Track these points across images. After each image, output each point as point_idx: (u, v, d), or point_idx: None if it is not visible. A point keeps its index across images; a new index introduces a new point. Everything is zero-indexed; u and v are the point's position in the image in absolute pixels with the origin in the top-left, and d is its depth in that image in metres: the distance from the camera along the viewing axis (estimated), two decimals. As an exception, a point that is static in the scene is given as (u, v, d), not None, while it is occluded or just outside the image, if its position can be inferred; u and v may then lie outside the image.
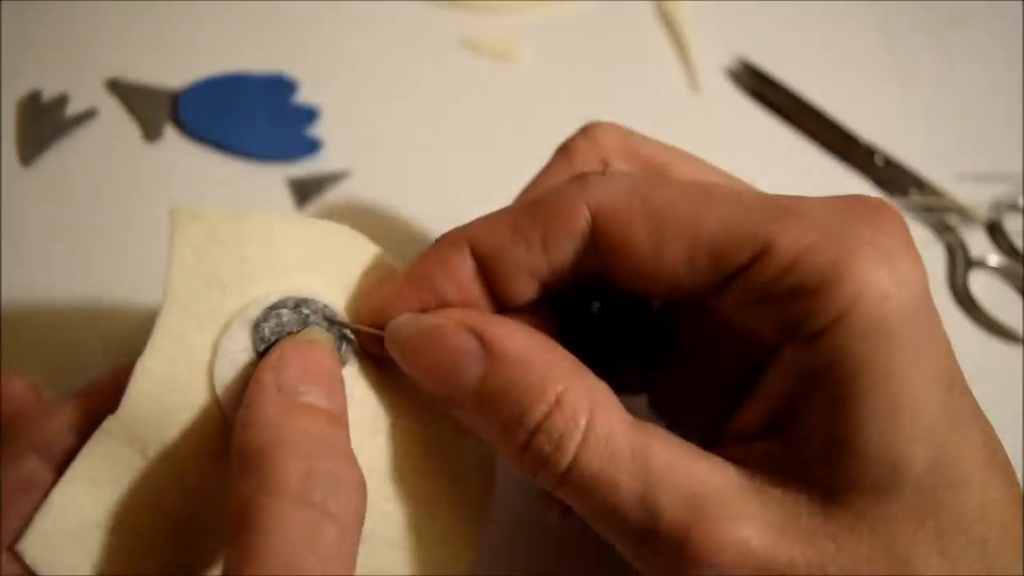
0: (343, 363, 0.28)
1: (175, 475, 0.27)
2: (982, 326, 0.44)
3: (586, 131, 0.33)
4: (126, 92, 0.45)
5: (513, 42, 0.49)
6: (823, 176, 0.48)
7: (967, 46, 0.52)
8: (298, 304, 0.28)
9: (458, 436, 0.30)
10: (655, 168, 0.32)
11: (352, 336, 0.28)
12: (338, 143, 0.45)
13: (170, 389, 0.26)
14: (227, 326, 0.27)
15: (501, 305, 0.28)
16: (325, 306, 0.28)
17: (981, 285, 0.45)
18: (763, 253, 0.24)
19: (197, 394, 0.26)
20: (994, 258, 0.46)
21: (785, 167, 0.48)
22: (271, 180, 0.44)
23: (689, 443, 0.26)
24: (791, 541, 0.24)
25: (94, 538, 0.26)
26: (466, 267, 0.28)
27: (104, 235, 0.41)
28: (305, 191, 0.43)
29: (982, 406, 0.25)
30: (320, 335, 0.28)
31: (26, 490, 0.26)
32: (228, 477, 0.24)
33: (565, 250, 0.27)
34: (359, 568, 0.24)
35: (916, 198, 0.47)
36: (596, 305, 0.32)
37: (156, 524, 0.27)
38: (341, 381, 0.27)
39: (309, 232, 0.29)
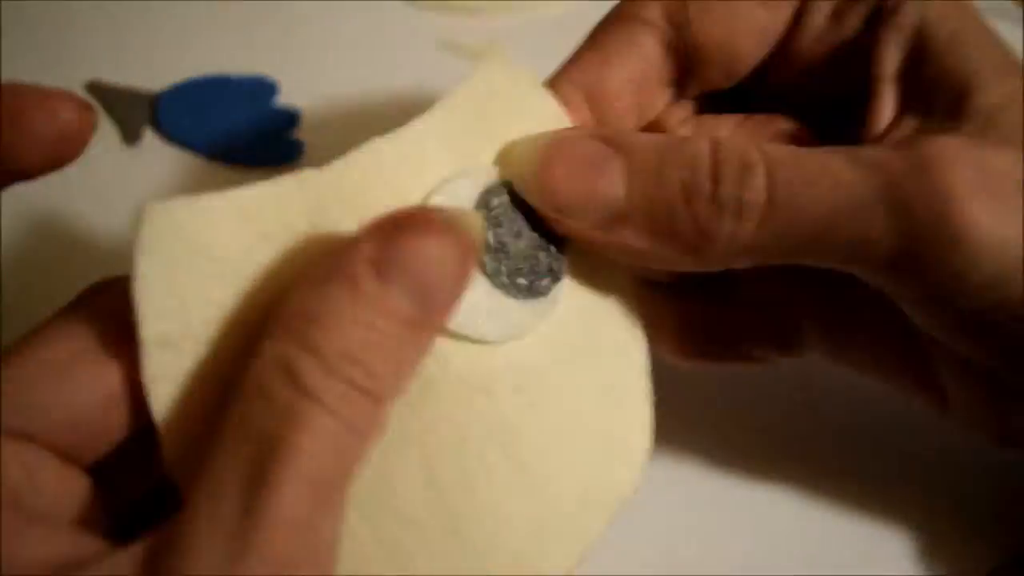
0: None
1: None
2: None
3: None
4: (105, 94, 0.45)
5: (497, 44, 0.49)
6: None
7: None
8: (513, 191, 0.26)
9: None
10: None
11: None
12: (319, 146, 0.45)
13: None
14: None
15: None
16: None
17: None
18: None
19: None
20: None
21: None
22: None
23: None
24: (990, 148, 0.24)
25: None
26: (577, 100, 0.29)
27: (82, 238, 0.41)
28: (286, 195, 0.43)
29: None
30: (475, 222, 0.23)
31: (59, 375, 0.21)
32: None
33: (652, 51, 0.29)
34: None
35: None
36: None
37: None
38: (457, 292, 0.21)
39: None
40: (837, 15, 0.28)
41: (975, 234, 0.23)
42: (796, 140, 0.29)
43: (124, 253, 0.40)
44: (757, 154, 0.24)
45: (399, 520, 0.23)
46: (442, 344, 0.24)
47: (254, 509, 0.18)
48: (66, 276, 0.40)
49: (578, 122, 0.28)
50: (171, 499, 0.21)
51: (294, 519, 0.18)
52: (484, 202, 0.25)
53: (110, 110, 0.45)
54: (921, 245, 0.23)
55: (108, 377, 0.21)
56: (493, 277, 0.25)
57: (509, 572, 0.24)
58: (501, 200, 0.25)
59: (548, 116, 0.27)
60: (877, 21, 0.28)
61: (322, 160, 0.44)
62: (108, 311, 0.22)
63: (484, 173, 0.26)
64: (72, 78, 0.45)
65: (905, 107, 0.27)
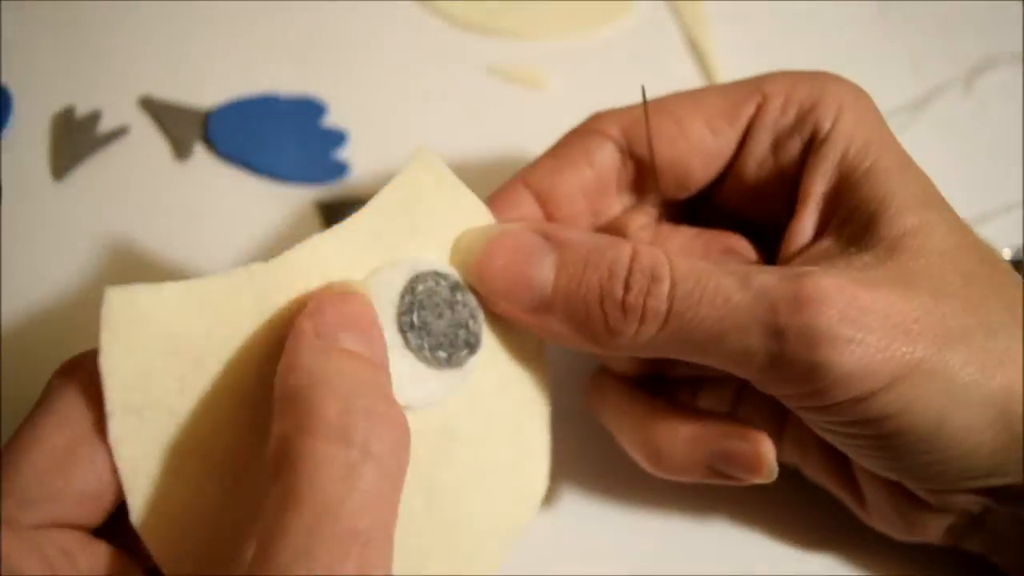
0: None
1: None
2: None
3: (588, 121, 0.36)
4: (158, 110, 0.46)
5: (542, 69, 0.50)
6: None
7: (997, 86, 0.52)
8: (437, 278, 0.29)
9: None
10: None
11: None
12: (365, 167, 0.45)
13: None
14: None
15: None
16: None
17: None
18: (763, 101, 0.32)
19: None
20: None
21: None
22: (298, 202, 0.44)
23: None
24: (872, 284, 0.27)
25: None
26: (527, 202, 0.33)
27: (132, 251, 0.42)
28: (332, 213, 0.44)
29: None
30: (356, 285, 0.27)
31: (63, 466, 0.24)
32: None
33: (607, 160, 0.33)
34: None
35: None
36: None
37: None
38: (379, 330, 0.26)
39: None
40: (776, 144, 0.32)
41: (835, 370, 0.26)
42: (741, 255, 0.33)
43: (175, 267, 0.41)
44: (666, 268, 0.28)
45: None
46: None
47: None
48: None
49: (504, 217, 0.32)
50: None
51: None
52: (410, 288, 0.28)
53: (162, 125, 0.45)
54: (789, 369, 0.27)
55: (104, 455, 0.24)
56: (416, 352, 0.28)
57: None
58: (426, 286, 0.28)
59: (470, 212, 0.31)
60: (809, 151, 0.32)
61: (367, 180, 0.45)
62: (94, 394, 0.24)
63: (410, 263, 0.29)
64: (126, 93, 0.46)
65: (823, 229, 0.31)
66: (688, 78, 0.51)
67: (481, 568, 0.31)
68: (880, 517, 0.34)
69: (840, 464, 0.34)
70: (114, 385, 0.24)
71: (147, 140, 0.45)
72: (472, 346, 0.29)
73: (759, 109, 0.32)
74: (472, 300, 0.30)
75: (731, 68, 0.51)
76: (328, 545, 0.21)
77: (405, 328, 0.28)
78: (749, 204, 0.34)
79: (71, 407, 0.24)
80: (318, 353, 0.24)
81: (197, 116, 0.46)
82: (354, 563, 0.21)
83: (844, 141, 0.30)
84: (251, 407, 0.26)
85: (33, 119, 0.45)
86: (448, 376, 0.29)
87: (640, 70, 0.51)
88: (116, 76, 0.47)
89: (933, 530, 0.32)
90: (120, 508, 0.25)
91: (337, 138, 0.46)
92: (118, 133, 0.45)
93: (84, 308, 0.40)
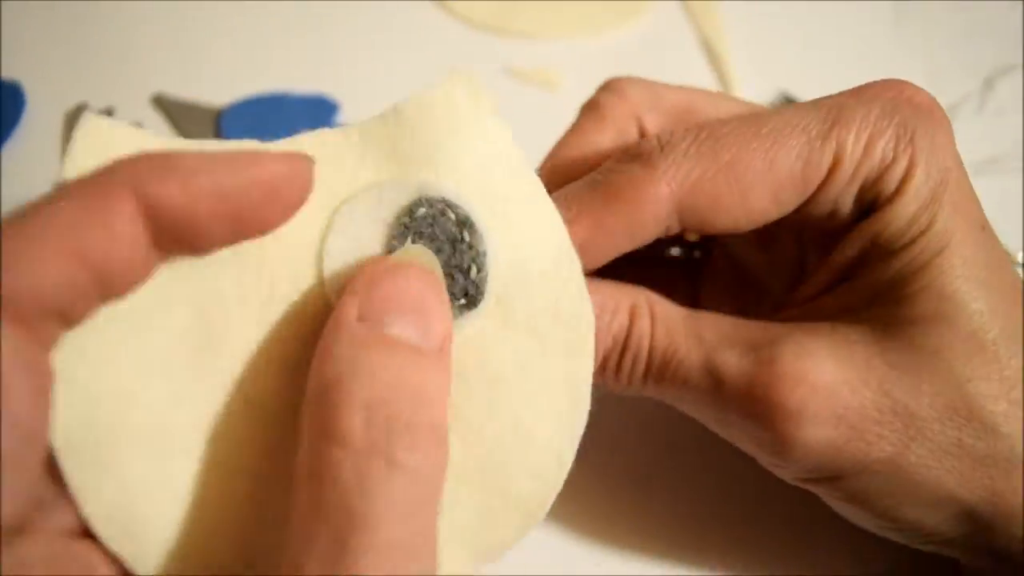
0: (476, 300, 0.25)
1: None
2: None
3: (610, 87, 0.33)
4: (170, 108, 0.46)
5: (555, 70, 0.49)
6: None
7: (1016, 95, 0.52)
8: (444, 208, 0.25)
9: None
10: (683, 114, 0.33)
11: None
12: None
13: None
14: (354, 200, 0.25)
15: None
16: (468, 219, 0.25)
17: None
18: (835, 165, 0.28)
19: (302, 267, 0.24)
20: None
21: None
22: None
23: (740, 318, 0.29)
24: (849, 369, 0.27)
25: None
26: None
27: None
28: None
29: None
30: (423, 254, 0.24)
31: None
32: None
33: (650, 234, 0.29)
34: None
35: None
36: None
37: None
38: (442, 309, 0.23)
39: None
40: (834, 212, 0.29)
41: (797, 445, 0.27)
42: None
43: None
44: (646, 344, 0.29)
45: None
46: None
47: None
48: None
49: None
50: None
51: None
52: (409, 210, 0.25)
53: (175, 123, 0.45)
54: (761, 434, 0.28)
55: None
56: None
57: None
58: (429, 211, 0.25)
59: (501, 148, 0.27)
60: (861, 213, 0.29)
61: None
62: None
63: (418, 184, 0.25)
64: (138, 91, 0.46)
65: (836, 284, 0.29)
66: (702, 79, 0.51)
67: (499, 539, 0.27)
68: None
69: None
70: None
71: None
72: (471, 298, 0.25)
73: (829, 174, 0.28)
74: (483, 244, 0.25)
75: (745, 69, 0.51)
76: (354, 556, 0.19)
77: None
78: (763, 239, 0.33)
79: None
80: (356, 343, 0.21)
81: (209, 114, 0.46)
82: (404, 562, 0.20)
83: (901, 215, 0.28)
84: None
85: (46, 116, 0.45)
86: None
87: (654, 71, 0.51)
88: (129, 74, 0.47)
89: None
90: None
91: (349, 137, 0.46)
92: (130, 130, 0.45)
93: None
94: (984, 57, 0.52)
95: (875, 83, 0.30)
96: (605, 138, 0.32)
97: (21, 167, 0.44)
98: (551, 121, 0.48)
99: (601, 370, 0.29)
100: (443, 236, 0.25)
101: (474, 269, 0.25)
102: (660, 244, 0.34)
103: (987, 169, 0.49)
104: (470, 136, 0.26)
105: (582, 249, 0.27)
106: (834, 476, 0.27)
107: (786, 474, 0.29)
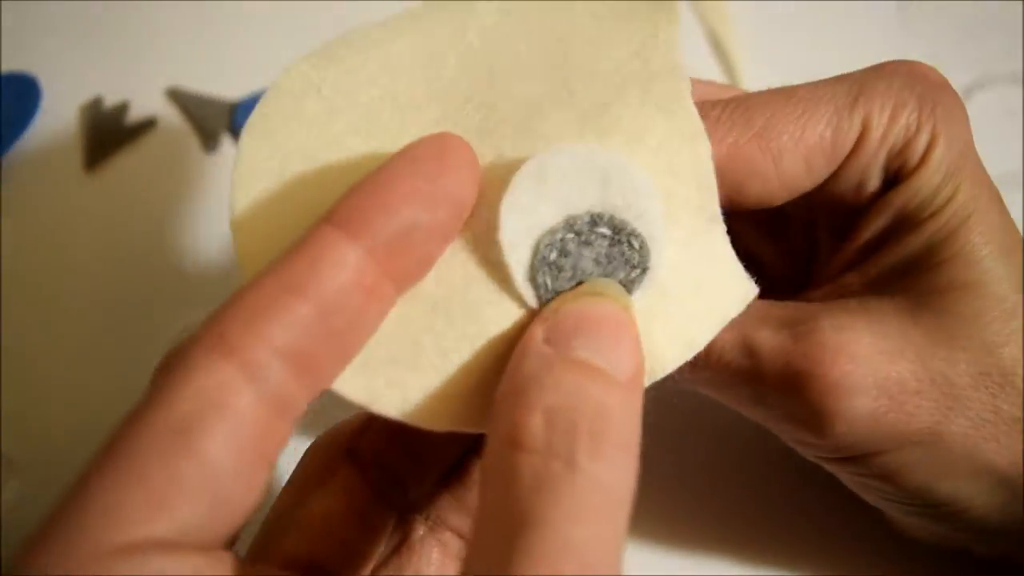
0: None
1: None
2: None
3: None
4: (185, 101, 0.46)
5: None
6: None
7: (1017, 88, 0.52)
8: (628, 237, 0.24)
9: None
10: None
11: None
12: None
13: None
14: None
15: None
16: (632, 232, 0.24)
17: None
18: (863, 134, 0.28)
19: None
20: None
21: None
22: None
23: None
24: (886, 340, 0.27)
25: None
26: None
27: (163, 242, 0.42)
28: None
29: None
30: (611, 288, 0.23)
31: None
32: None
33: None
34: None
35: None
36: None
37: None
38: (635, 348, 0.22)
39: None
40: (861, 182, 0.29)
41: (839, 419, 0.27)
42: None
43: (203, 257, 0.41)
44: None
45: None
46: None
47: None
48: (145, 281, 0.41)
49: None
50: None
51: None
52: (592, 223, 0.24)
53: (190, 117, 0.46)
54: (800, 410, 0.27)
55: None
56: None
57: None
58: (609, 235, 0.24)
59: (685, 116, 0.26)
60: (887, 184, 0.29)
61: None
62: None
63: (581, 183, 0.24)
64: (153, 84, 0.47)
65: (866, 258, 0.30)
66: (709, 76, 0.51)
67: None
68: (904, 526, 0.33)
69: None
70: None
71: (175, 132, 0.46)
72: (640, 264, 0.24)
73: (858, 143, 0.28)
74: (648, 257, 0.24)
75: (754, 67, 0.52)
76: (520, 556, 0.18)
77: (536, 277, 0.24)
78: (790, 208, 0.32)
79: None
80: (543, 361, 0.21)
81: (224, 107, 0.46)
82: (573, 568, 0.19)
83: (927, 185, 0.28)
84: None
85: (61, 109, 0.45)
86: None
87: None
88: (144, 67, 0.47)
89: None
90: None
91: (363, 132, 0.46)
92: (146, 125, 0.45)
93: (116, 300, 0.40)
94: (989, 55, 0.53)
95: (890, 62, 0.30)
96: None
97: (37, 160, 0.44)
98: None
99: None
100: (617, 257, 0.24)
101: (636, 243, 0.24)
102: None
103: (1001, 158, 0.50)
104: (659, 86, 0.25)
105: None
106: (871, 452, 0.27)
107: (820, 452, 0.29)
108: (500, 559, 0.19)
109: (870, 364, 0.26)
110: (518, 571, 0.18)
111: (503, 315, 0.23)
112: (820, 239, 0.32)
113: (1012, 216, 0.29)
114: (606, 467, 0.20)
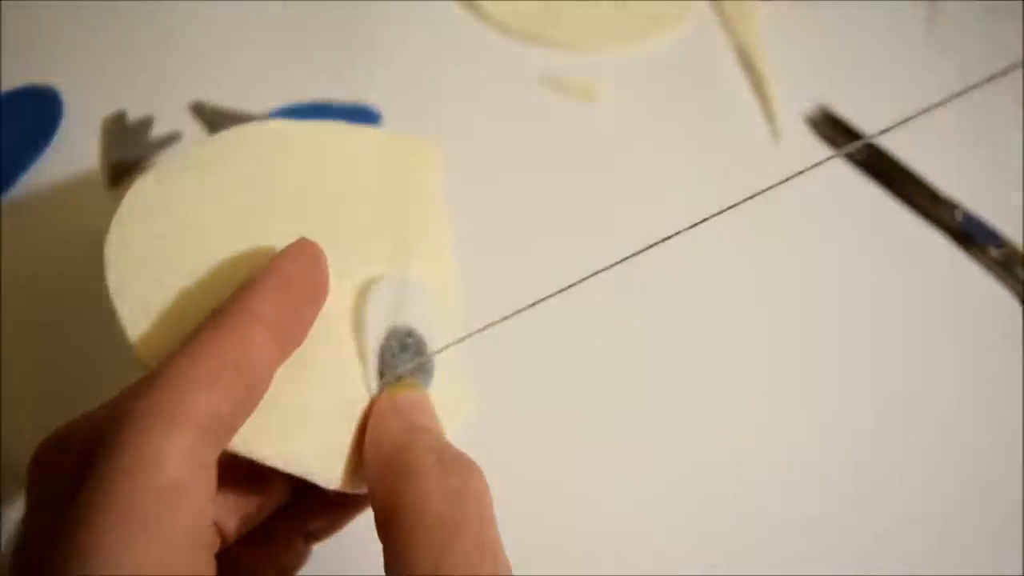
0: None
1: None
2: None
3: None
4: (210, 116, 0.46)
5: (593, 81, 0.49)
6: (900, 230, 0.47)
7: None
8: (416, 344, 0.30)
9: None
10: None
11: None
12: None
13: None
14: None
15: None
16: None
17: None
18: None
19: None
20: (1074, 319, 0.45)
21: (862, 220, 0.47)
22: (351, 211, 0.44)
23: None
24: None
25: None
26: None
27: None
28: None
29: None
30: (415, 384, 0.30)
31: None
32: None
33: None
34: None
35: (994, 254, 0.46)
36: None
37: None
38: (434, 411, 0.29)
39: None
40: None
41: None
42: None
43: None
44: None
45: None
46: None
47: None
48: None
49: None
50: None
51: None
52: (386, 343, 0.30)
53: (215, 131, 0.45)
54: None
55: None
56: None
57: None
58: (398, 343, 0.30)
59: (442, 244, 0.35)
60: None
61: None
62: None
63: (395, 302, 0.31)
64: (177, 99, 0.46)
65: None
66: (739, 90, 0.51)
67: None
68: None
69: None
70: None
71: (199, 146, 0.45)
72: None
73: None
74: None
75: (785, 85, 0.51)
76: (462, 555, 0.22)
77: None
78: None
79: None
80: (403, 426, 0.27)
81: (249, 122, 0.46)
82: (489, 564, 0.23)
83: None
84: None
85: (84, 123, 0.45)
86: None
87: (690, 82, 0.51)
88: (167, 81, 0.47)
89: None
90: None
91: (389, 147, 0.46)
92: (170, 139, 0.45)
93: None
94: (1017, 59, 0.52)
95: None
96: None
97: (60, 173, 0.44)
98: (587, 133, 0.48)
99: None
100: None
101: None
102: None
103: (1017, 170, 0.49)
104: (427, 216, 0.35)
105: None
106: None
107: None
108: (435, 562, 0.22)
109: None
110: (452, 572, 0.22)
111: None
112: None
113: (1012, 216, 0.29)
114: (481, 485, 0.25)
